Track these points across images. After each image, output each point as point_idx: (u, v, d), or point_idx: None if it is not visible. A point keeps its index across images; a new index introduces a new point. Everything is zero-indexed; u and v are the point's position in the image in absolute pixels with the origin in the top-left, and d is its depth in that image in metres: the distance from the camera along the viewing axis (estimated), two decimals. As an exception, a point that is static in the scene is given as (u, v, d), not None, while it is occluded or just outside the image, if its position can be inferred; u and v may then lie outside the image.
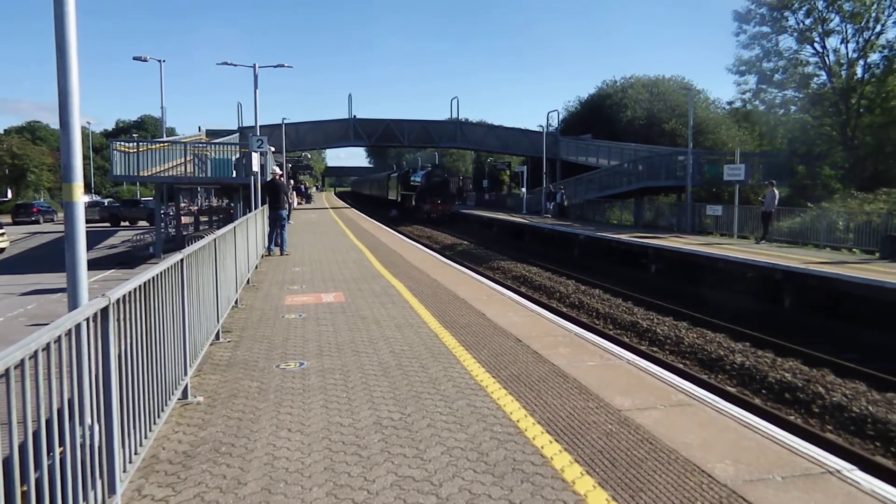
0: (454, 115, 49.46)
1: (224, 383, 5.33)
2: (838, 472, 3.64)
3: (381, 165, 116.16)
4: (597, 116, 47.01)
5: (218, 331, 6.70)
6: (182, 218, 32.73)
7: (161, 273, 4.08)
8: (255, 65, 24.03)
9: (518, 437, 4.13)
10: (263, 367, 5.81)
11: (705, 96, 48.26)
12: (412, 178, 46.68)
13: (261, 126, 25.02)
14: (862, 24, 35.33)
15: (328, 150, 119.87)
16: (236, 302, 8.55)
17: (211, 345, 6.30)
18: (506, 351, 6.26)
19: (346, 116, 44.57)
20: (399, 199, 48.43)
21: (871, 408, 7.77)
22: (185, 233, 29.13)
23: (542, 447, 3.97)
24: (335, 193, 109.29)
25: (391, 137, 46.23)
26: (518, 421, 4.40)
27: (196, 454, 3.92)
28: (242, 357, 6.14)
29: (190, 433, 4.26)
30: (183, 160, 23.01)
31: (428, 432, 4.23)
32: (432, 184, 42.03)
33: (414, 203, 43.10)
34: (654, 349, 11.00)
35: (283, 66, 28.45)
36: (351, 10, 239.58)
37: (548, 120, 53.06)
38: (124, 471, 3.26)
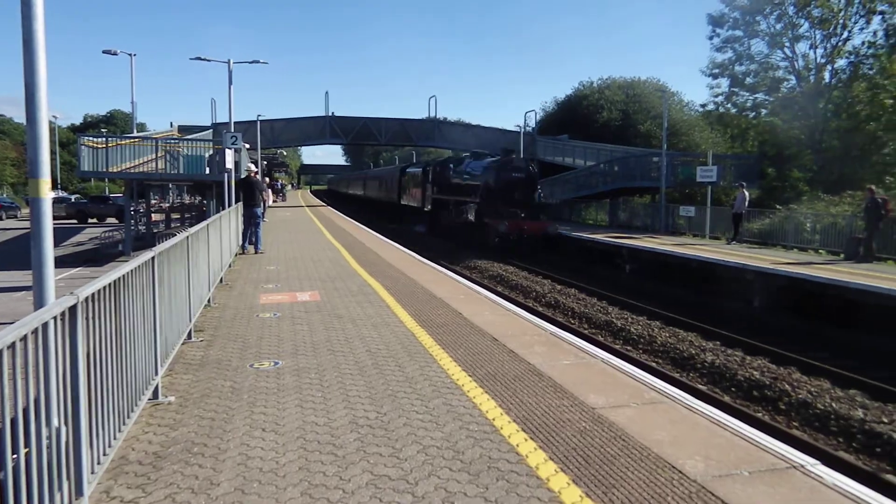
0: (432, 114, 49.43)
1: (196, 383, 5.27)
2: (802, 466, 3.73)
3: (357, 164, 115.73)
4: (573, 117, 47.33)
5: (190, 330, 6.61)
6: (153, 215, 32.19)
7: (131, 271, 4.01)
8: (229, 61, 23.75)
9: (494, 436, 4.14)
10: (237, 366, 5.75)
11: (679, 98, 48.96)
12: (456, 173, 28.01)
13: (235, 123, 24.72)
14: (830, 31, 36.14)
15: (304, 148, 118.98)
16: (209, 301, 8.45)
17: (183, 344, 6.21)
18: (482, 350, 6.28)
19: (324, 114, 44.26)
20: (429, 207, 30.87)
21: (834, 404, 7.96)
22: (155, 230, 28.66)
23: (518, 445, 3.99)
24: (311, 192, 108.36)
25: (368, 136, 45.99)
26: (494, 419, 4.42)
27: (167, 455, 3.86)
28: (215, 356, 6.07)
29: (161, 433, 4.20)
30: (154, 156, 22.64)
31: (404, 431, 4.23)
32: (510, 181, 23.58)
33: (474, 215, 24.53)
34: (628, 348, 11.13)
35: (258, 62, 28.17)
36: (328, 9, 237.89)
37: (525, 120, 53.28)
38: (92, 472, 3.21)
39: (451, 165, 29.42)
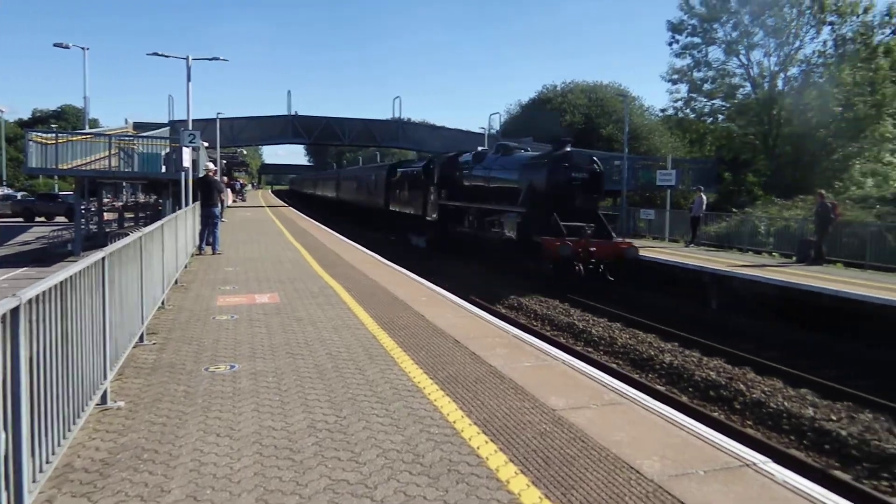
0: (397, 115, 49.27)
1: (148, 387, 5.10)
2: (755, 464, 3.80)
3: (320, 164, 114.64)
4: (537, 120, 47.82)
5: (143, 333, 6.42)
6: (105, 214, 31.26)
7: (80, 272, 3.86)
8: (188, 57, 23.21)
9: (454, 438, 4.12)
10: (191, 370, 5.60)
11: (641, 103, 49.95)
12: (479, 171, 20.61)
13: (194, 120, 24.19)
14: (783, 40, 37.29)
15: (266, 147, 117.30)
16: (163, 303, 8.22)
17: (135, 347, 6.02)
18: (444, 352, 6.25)
19: (286, 113, 43.67)
20: (434, 216, 23.10)
21: (786, 403, 8.18)
22: (107, 230, 27.85)
23: (478, 447, 3.97)
24: (272, 192, 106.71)
25: (331, 136, 45.51)
26: (455, 422, 4.40)
27: (115, 462, 3.72)
28: (168, 360, 5.90)
29: (109, 440, 4.05)
30: (107, 153, 21.97)
31: (364, 435, 4.17)
32: (569, 184, 16.65)
33: (515, 231, 17.02)
34: (589, 349, 11.23)
35: (218, 59, 27.53)
36: (291, 8, 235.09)
37: (489, 122, 53.56)
38: (34, 481, 3.06)
39: (469, 161, 21.44)
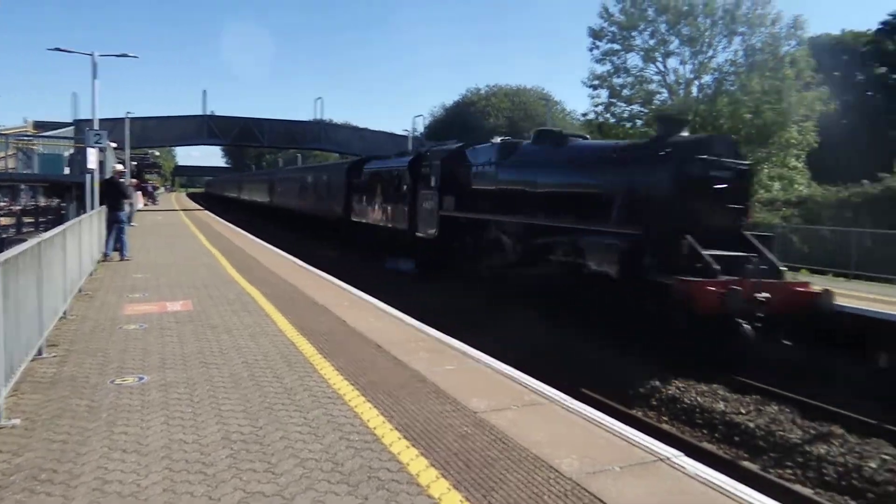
0: (318, 116, 48.53)
1: (47, 403, 4.76)
2: (668, 458, 3.96)
3: (239, 166, 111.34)
4: (461, 123, 48.37)
5: (42, 345, 5.99)
6: (1, 219, 29.12)
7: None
8: (93, 53, 21.99)
9: (375, 445, 4.06)
10: (95, 383, 5.27)
11: (563, 107, 51.35)
12: (517, 167, 14.01)
13: (101, 120, 22.89)
14: (697, 48, 39.20)
15: (180, 148, 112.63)
16: (65, 313, 7.71)
17: (33, 361, 5.61)
18: (365, 358, 6.17)
19: (201, 113, 42.14)
20: (432, 231, 16.38)
21: (699, 398, 8.57)
22: (4, 235, 25.97)
23: (399, 453, 3.94)
24: (187, 195, 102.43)
25: (250, 137, 44.39)
26: (375, 428, 4.34)
27: (9, 484, 3.45)
28: (70, 373, 5.53)
29: (2, 461, 3.74)
30: (4, 154, 20.49)
31: (281, 445, 4.05)
32: (708, 188, 9.97)
33: (617, 265, 9.93)
34: (511, 351, 11.25)
35: (127, 55, 26.23)
36: (203, 10, 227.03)
37: (413, 124, 53.56)
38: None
39: (491, 156, 14.82)
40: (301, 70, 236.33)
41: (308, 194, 30.29)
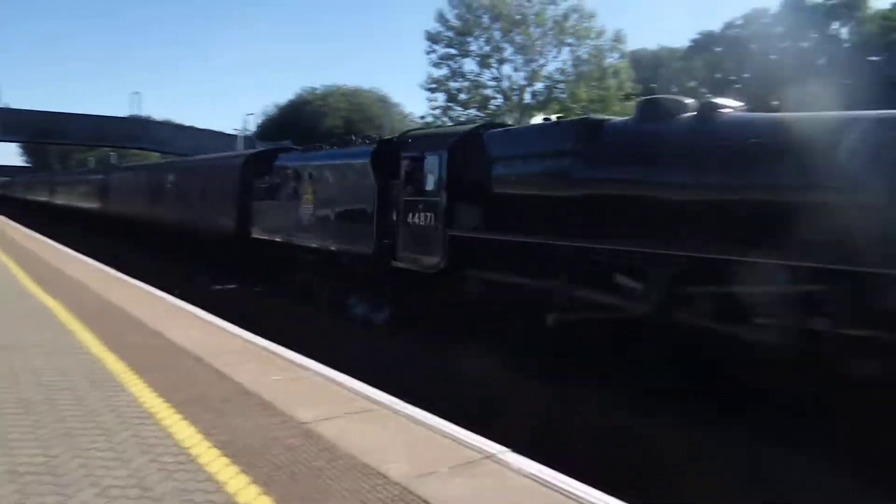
0: (135, 112, 44.72)
1: None
2: (494, 455, 4.10)
3: (41, 165, 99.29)
4: (296, 122, 47.06)
5: None
6: None
7: None
8: None
9: (190, 465, 3.76)
10: None
11: (401, 110, 51.90)
12: (616, 164, 7.60)
13: None
14: (529, 56, 41.63)
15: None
16: None
17: None
18: (184, 371, 5.73)
19: (-9, 104, 36.97)
20: (437, 260, 9.13)
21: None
22: None
23: (217, 472, 3.68)
24: None
25: (53, 134, 39.63)
26: (191, 447, 4.02)
27: None
28: None
29: None
30: None
31: (79, 474, 3.61)
32: None
33: None
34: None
35: None
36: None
37: (244, 123, 51.24)
38: None
39: (574, 136, 8.11)
40: (117, 63, 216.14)
41: (174, 199, 21.19)
